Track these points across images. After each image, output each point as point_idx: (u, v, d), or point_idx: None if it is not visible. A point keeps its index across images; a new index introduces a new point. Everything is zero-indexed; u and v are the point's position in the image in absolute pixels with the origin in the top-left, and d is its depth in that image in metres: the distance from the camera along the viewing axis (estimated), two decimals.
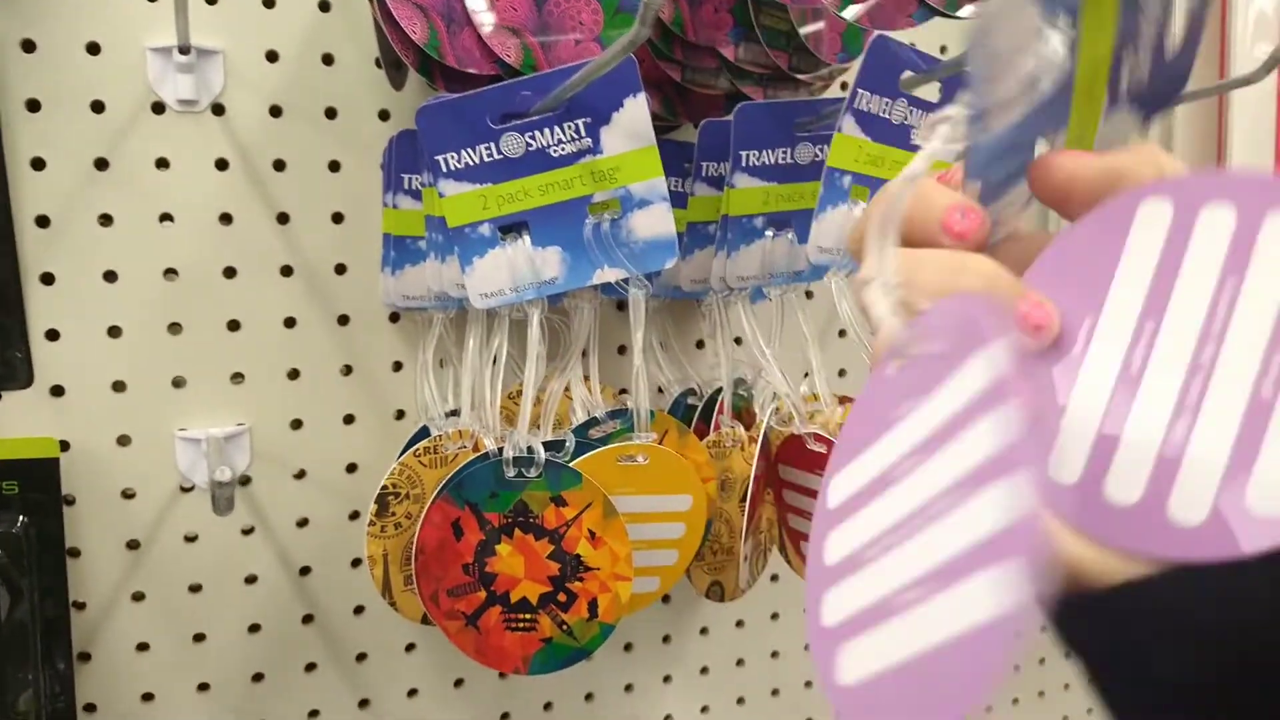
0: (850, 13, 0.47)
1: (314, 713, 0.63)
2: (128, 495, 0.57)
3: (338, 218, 0.59)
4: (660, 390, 0.66)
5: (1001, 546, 0.20)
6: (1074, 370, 0.26)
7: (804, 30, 0.55)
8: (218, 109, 0.57)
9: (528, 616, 0.49)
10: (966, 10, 0.48)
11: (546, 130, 0.47)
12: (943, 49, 0.74)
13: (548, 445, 0.50)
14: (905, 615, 0.22)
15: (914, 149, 0.51)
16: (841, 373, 0.76)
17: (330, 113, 0.58)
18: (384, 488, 0.51)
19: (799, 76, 0.57)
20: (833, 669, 0.23)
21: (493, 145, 0.47)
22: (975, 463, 0.21)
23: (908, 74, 0.49)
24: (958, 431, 0.22)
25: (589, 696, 0.70)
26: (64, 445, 0.56)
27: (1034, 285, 0.27)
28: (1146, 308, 0.25)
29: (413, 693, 0.65)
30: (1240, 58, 0.66)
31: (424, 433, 0.56)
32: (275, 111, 0.58)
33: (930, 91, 0.50)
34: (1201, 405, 0.23)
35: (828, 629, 0.24)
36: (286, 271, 0.59)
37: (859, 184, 0.50)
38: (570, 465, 0.49)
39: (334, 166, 0.59)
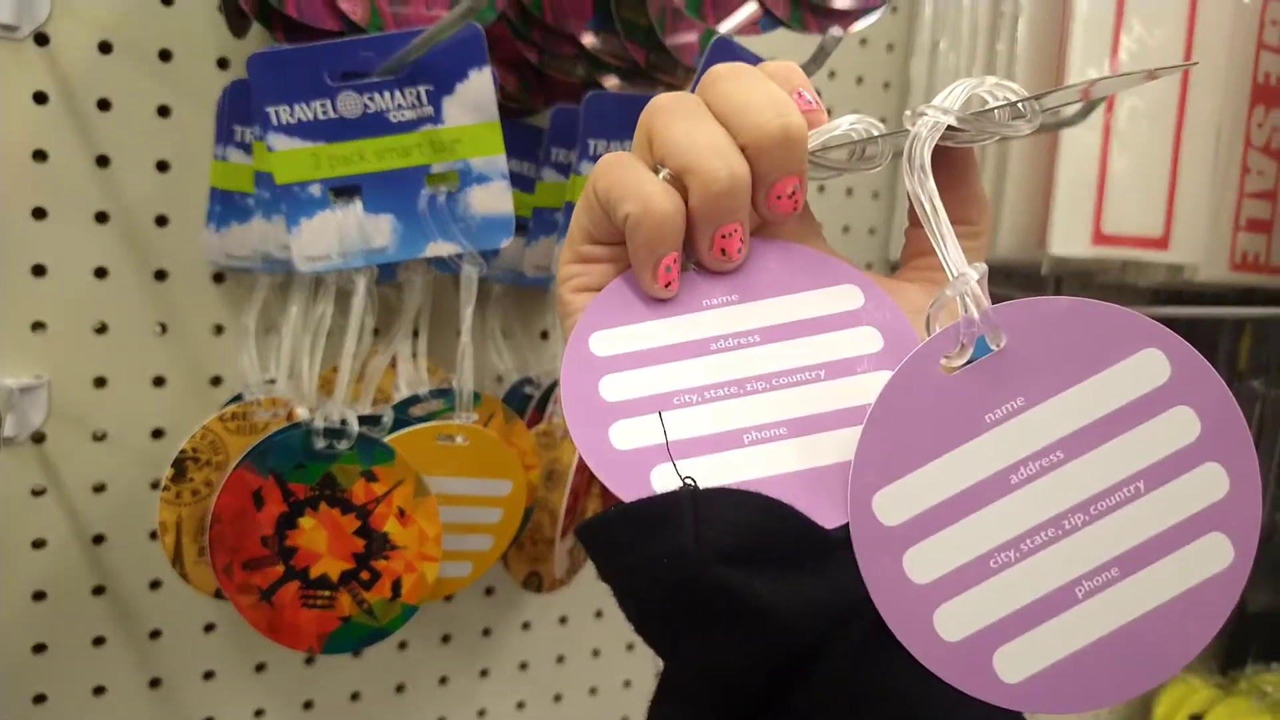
0: (701, 16, 0.48)
1: (99, 689, 0.59)
2: None
3: (163, 166, 0.56)
4: (499, 379, 0.65)
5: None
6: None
7: (669, 40, 0.55)
8: (41, 38, 0.53)
9: (327, 594, 0.47)
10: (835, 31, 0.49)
11: (387, 93, 0.46)
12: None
13: (364, 419, 0.48)
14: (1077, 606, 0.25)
15: None
16: None
17: (165, 55, 0.55)
18: (183, 451, 0.48)
19: (657, 75, 0.58)
20: (990, 673, 0.25)
21: (329, 103, 0.46)
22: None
23: None
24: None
25: (400, 688, 0.68)
26: None
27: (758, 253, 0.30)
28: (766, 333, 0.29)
29: (209, 675, 0.62)
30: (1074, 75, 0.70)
31: (239, 401, 0.54)
32: (105, 47, 0.54)
33: None
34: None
35: (958, 642, 0.25)
36: (101, 218, 0.55)
37: None
38: (385, 441, 0.48)
39: (164, 111, 0.56)
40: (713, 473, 0.27)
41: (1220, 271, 0.79)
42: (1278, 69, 0.79)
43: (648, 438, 0.28)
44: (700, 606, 0.25)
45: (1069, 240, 0.72)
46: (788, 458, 0.27)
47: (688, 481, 0.27)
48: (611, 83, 0.58)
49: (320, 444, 0.46)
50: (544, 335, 0.70)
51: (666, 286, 0.29)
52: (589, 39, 0.55)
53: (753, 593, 0.24)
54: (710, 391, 0.28)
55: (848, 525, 0.26)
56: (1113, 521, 0.25)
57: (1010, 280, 0.81)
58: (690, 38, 0.55)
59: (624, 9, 0.55)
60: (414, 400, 0.51)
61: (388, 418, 0.49)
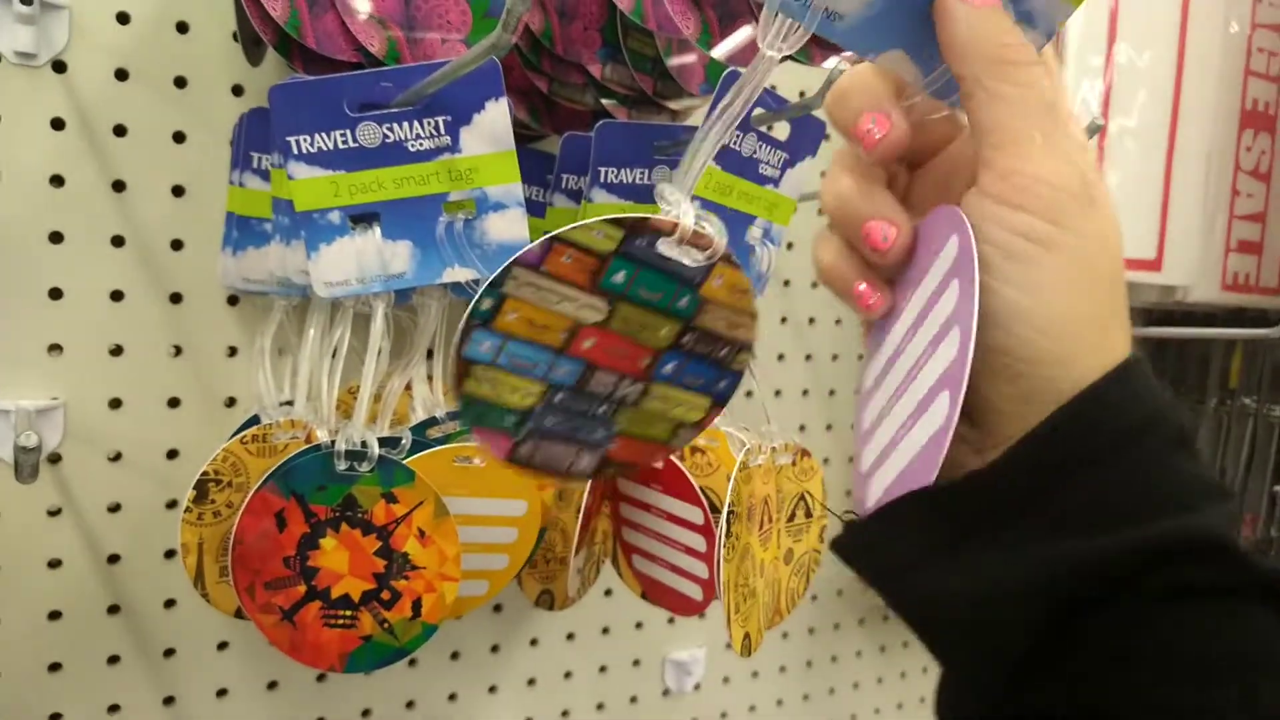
0: (711, 48, 0.49)
1: (114, 708, 0.60)
2: None
3: (178, 191, 0.57)
4: None
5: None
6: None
7: (671, 62, 0.56)
8: (59, 66, 0.54)
9: (348, 613, 0.48)
10: (830, 62, 0.50)
11: (405, 124, 0.47)
12: (801, 93, 0.77)
13: (383, 441, 0.49)
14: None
15: (760, 181, 0.53)
16: None
17: (180, 82, 0.56)
18: (204, 473, 0.49)
19: (663, 102, 0.59)
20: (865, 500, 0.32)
21: (349, 133, 0.47)
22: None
23: (759, 110, 0.51)
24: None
25: (410, 704, 0.69)
26: None
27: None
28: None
29: (222, 693, 0.63)
30: None
31: (254, 422, 0.54)
32: (121, 75, 0.55)
33: (780, 129, 0.52)
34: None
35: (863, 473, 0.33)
36: (118, 242, 0.56)
37: (707, 209, 0.51)
38: (404, 463, 0.49)
39: (179, 137, 0.56)
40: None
41: (1212, 292, 0.81)
42: (1266, 95, 0.81)
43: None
44: None
45: None
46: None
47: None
48: (611, 103, 0.59)
49: (341, 466, 0.47)
50: None
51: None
52: (599, 69, 0.56)
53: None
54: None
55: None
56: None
57: None
58: (691, 59, 0.57)
59: (632, 40, 0.56)
60: (431, 422, 0.52)
61: (406, 440, 0.50)
